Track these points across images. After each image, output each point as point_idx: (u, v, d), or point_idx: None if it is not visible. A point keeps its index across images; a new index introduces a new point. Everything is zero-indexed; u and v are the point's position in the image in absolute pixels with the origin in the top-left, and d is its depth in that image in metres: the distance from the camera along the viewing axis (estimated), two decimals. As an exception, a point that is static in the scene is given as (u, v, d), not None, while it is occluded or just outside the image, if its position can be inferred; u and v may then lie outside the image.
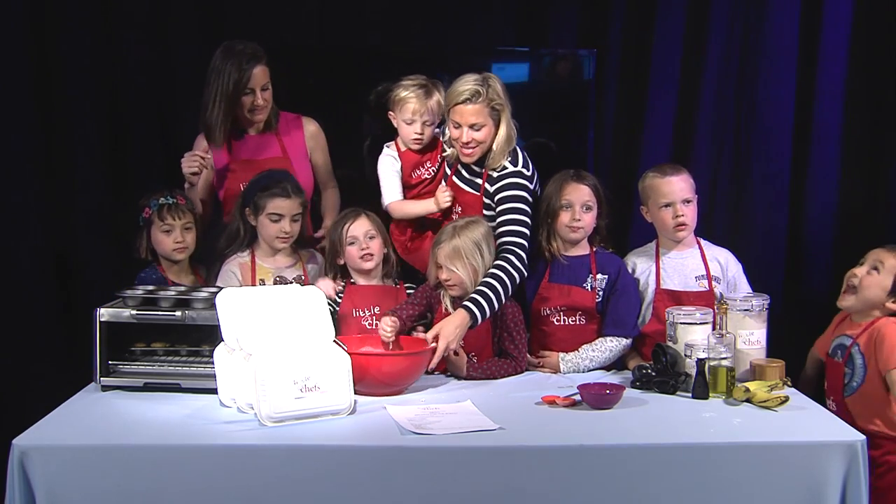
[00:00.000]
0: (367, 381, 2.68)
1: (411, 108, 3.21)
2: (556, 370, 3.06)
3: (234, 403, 2.58)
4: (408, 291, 3.15)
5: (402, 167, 3.28)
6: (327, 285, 3.07)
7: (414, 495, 2.28)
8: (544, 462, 2.31)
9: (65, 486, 2.27)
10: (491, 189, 3.11)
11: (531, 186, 3.12)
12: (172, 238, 3.20)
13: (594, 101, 3.80)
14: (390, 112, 3.30)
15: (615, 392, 2.63)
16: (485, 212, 3.14)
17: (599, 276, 3.13)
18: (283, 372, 2.44)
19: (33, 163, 3.76)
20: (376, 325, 3.00)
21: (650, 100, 3.92)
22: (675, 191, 3.15)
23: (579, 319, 3.13)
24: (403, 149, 3.30)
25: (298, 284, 3.11)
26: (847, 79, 3.89)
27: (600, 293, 3.12)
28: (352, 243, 3.06)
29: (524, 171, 3.10)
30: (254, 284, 3.13)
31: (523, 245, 3.01)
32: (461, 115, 3.03)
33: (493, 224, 3.08)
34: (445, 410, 2.57)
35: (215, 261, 3.26)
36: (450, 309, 2.99)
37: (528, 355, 3.07)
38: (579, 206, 3.10)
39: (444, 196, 3.17)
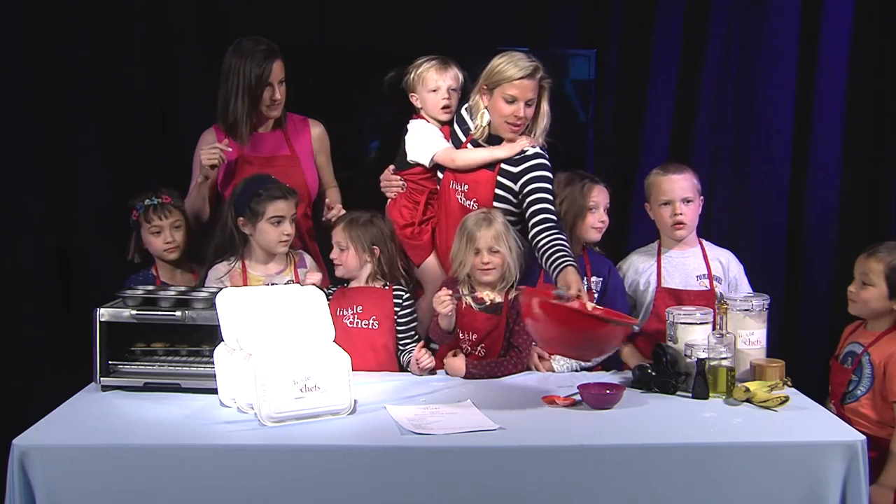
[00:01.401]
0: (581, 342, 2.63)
1: (433, 77, 3.25)
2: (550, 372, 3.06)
3: (234, 403, 2.58)
4: (395, 293, 3.12)
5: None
6: (315, 277, 3.07)
7: (414, 495, 2.28)
8: (544, 462, 2.31)
9: (65, 486, 2.27)
10: (515, 170, 3.12)
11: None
12: (162, 238, 3.21)
13: (594, 101, 3.80)
14: (412, 94, 3.32)
15: (615, 392, 2.63)
16: (496, 190, 3.13)
17: (594, 278, 3.14)
18: (283, 372, 2.44)
19: (34, 163, 3.77)
20: (360, 324, 3.03)
21: (650, 100, 3.93)
22: (674, 189, 3.16)
23: None
24: (437, 126, 3.30)
25: None
26: (847, 79, 3.90)
27: (596, 295, 3.12)
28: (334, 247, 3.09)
29: (545, 153, 3.14)
30: None
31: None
32: (521, 89, 3.04)
33: (524, 206, 3.09)
34: (445, 410, 2.57)
35: (203, 268, 3.22)
36: (471, 304, 3.00)
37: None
38: (603, 208, 3.16)
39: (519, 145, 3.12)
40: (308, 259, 3.28)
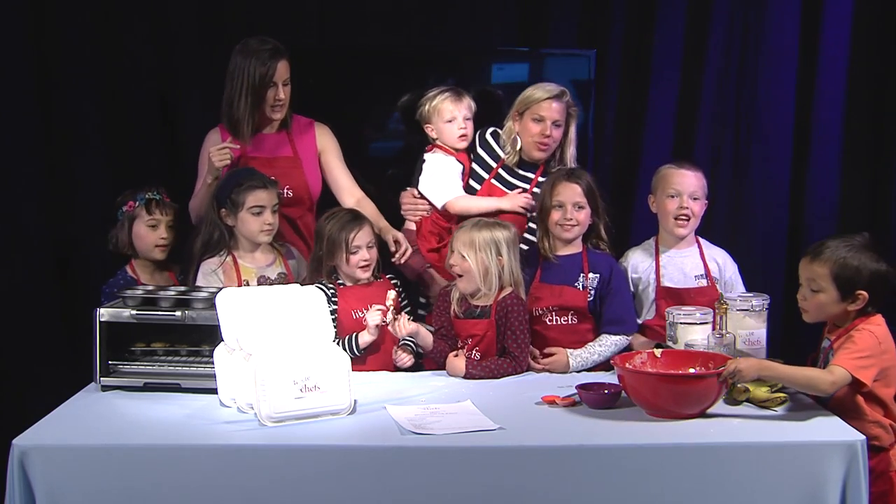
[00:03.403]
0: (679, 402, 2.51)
1: (448, 108, 3.35)
2: (564, 369, 3.05)
3: (234, 403, 2.58)
4: (392, 280, 3.17)
5: (463, 168, 3.39)
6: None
7: (414, 495, 2.28)
8: (544, 462, 2.31)
9: (65, 486, 2.27)
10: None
11: None
12: (157, 234, 3.20)
13: (594, 101, 3.80)
14: (427, 125, 3.41)
15: (613, 392, 2.63)
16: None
17: (591, 274, 3.13)
18: (283, 372, 2.44)
19: (34, 162, 3.77)
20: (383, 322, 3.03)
21: (650, 100, 3.93)
22: (684, 183, 3.19)
23: (571, 319, 3.12)
24: (454, 152, 3.40)
25: (282, 282, 3.13)
26: (847, 79, 3.90)
27: (592, 292, 3.12)
28: (355, 252, 3.04)
29: None
30: (239, 285, 3.10)
31: None
32: (548, 109, 3.27)
33: None
34: (445, 410, 2.57)
35: (191, 264, 3.20)
36: (456, 309, 3.02)
37: (534, 358, 3.06)
38: (571, 205, 3.11)
39: (521, 198, 3.33)
40: (295, 251, 3.28)
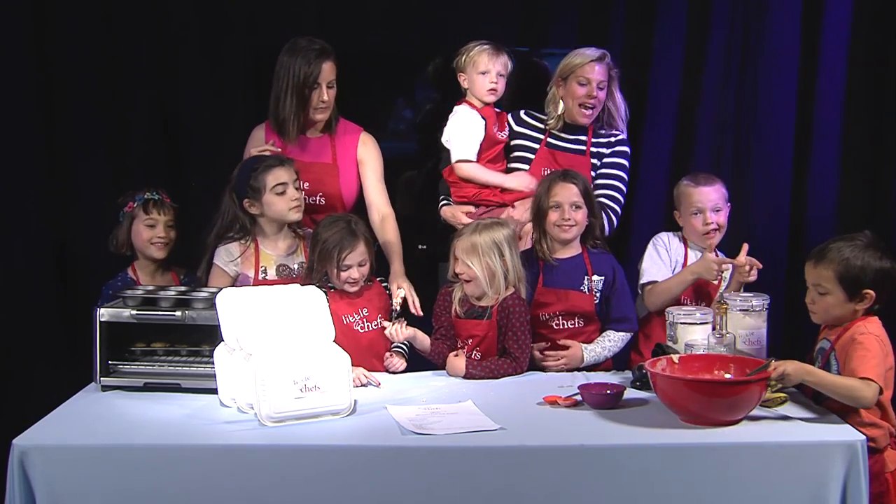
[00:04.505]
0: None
1: (484, 61, 3.37)
2: (579, 363, 3.06)
3: (234, 403, 2.58)
4: (382, 284, 3.16)
5: (486, 124, 3.40)
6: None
7: (414, 495, 2.28)
8: (544, 462, 2.31)
9: (65, 486, 2.27)
10: (606, 151, 3.46)
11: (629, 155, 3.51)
12: (154, 232, 3.21)
13: (594, 101, 3.79)
14: (461, 74, 3.43)
15: (615, 392, 2.63)
16: (591, 172, 3.41)
17: (595, 277, 3.13)
18: (283, 372, 2.44)
19: (34, 163, 3.76)
20: (370, 327, 3.04)
21: (651, 100, 3.92)
22: (704, 199, 3.24)
23: (577, 322, 3.13)
24: (480, 106, 3.41)
25: (302, 272, 3.14)
26: (847, 79, 3.89)
27: (598, 295, 3.12)
28: (344, 270, 3.01)
29: (629, 144, 3.49)
30: (256, 270, 3.13)
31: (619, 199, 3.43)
32: (591, 71, 3.37)
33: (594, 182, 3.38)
34: (446, 410, 2.57)
35: (204, 255, 3.19)
36: (458, 309, 3.01)
37: (546, 353, 3.07)
38: (568, 205, 3.10)
39: (527, 178, 3.40)
40: None
